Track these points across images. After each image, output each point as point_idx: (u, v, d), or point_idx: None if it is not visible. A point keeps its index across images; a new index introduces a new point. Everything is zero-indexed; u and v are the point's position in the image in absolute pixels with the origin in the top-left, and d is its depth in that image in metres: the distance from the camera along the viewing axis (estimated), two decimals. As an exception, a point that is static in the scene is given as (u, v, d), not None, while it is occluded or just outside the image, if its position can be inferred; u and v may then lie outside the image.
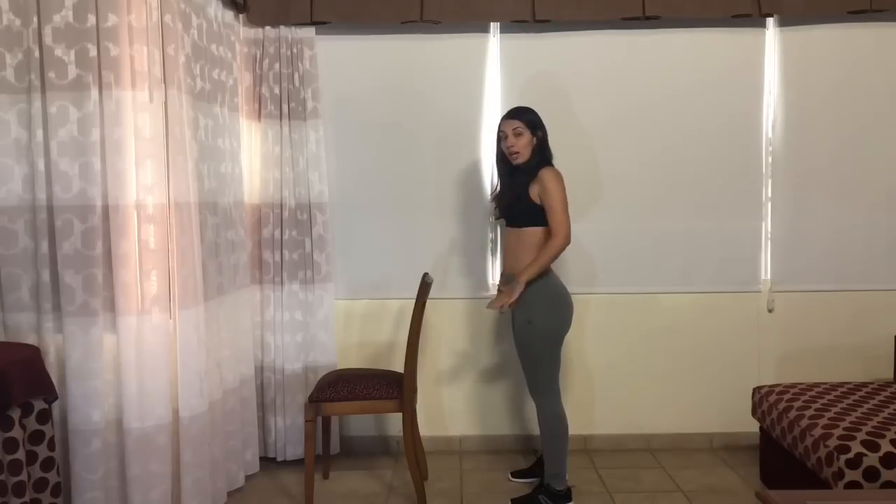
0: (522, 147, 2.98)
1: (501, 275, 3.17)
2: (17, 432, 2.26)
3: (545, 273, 2.96)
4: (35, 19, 2.56)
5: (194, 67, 2.92)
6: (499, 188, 3.18)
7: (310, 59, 3.46)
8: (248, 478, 3.31)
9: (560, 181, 2.90)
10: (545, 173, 2.91)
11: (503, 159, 3.07)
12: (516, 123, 2.98)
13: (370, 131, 3.63)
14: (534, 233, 2.95)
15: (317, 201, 3.50)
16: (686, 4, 3.42)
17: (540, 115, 3.03)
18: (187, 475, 2.79)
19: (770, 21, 3.56)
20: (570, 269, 3.53)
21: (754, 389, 3.24)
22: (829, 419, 2.70)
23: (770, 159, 3.63)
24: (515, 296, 2.85)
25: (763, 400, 3.11)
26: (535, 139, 2.99)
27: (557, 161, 3.03)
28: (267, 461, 3.54)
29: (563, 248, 2.89)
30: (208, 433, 2.89)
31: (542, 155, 2.99)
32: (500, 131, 3.05)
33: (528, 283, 2.88)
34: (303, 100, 3.46)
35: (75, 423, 2.60)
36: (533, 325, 2.92)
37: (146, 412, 2.66)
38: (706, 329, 3.66)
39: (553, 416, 2.97)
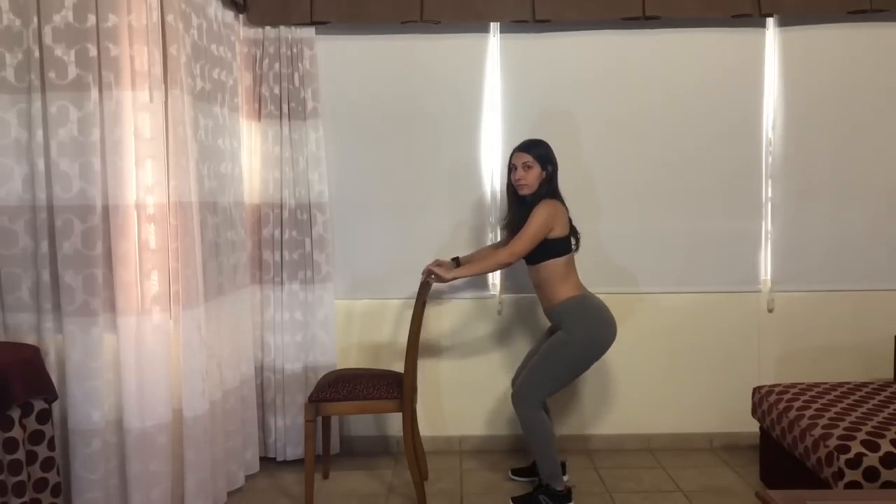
0: (531, 180, 2.98)
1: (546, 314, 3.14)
2: (17, 432, 2.26)
3: (581, 298, 2.99)
4: (35, 19, 2.56)
5: (194, 67, 2.92)
6: (508, 217, 3.14)
7: (310, 59, 3.46)
8: (248, 478, 3.31)
9: (546, 213, 2.89)
10: (540, 204, 2.92)
11: (512, 189, 3.07)
12: (527, 157, 2.98)
13: (370, 131, 3.63)
14: (554, 265, 2.96)
15: (317, 201, 3.50)
16: (686, 4, 3.42)
17: (548, 145, 3.03)
18: (189, 475, 2.79)
19: (770, 21, 3.56)
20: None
21: (754, 389, 3.24)
22: (829, 419, 2.70)
23: (770, 159, 3.62)
24: (444, 276, 2.92)
25: (763, 400, 3.11)
26: (544, 173, 2.98)
27: (558, 163, 3.03)
28: (267, 461, 3.54)
29: (504, 266, 2.93)
30: (209, 433, 2.89)
31: (548, 188, 2.98)
32: (510, 163, 3.04)
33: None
34: (303, 100, 3.46)
35: (75, 423, 2.60)
36: (567, 347, 2.93)
37: (146, 412, 2.67)
38: (706, 329, 3.66)
39: (532, 420, 2.95)
